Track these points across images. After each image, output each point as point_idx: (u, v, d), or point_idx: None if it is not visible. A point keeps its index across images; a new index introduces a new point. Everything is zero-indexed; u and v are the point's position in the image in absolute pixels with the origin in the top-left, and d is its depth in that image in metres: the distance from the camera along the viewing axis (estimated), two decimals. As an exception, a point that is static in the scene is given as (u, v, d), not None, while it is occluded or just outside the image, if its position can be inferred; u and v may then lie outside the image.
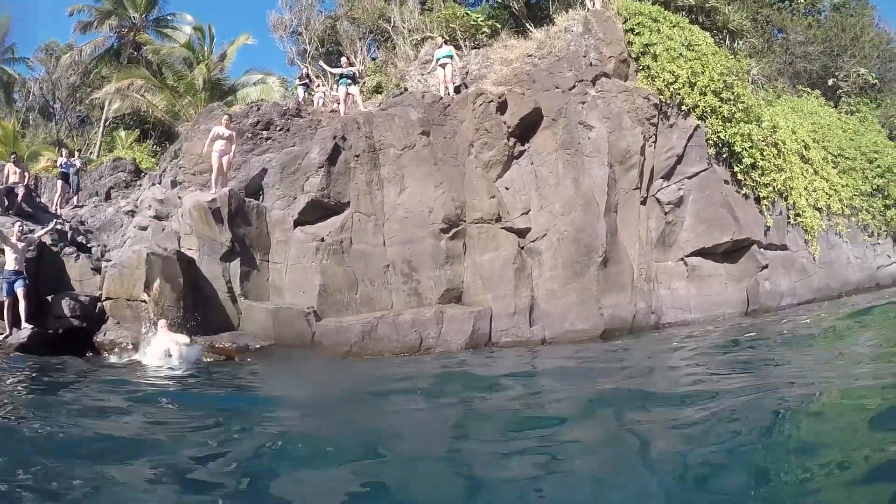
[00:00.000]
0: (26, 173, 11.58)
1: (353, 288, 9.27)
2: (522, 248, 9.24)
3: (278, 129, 10.44)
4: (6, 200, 10.25)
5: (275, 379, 7.36)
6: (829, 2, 20.12)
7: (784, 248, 12.27)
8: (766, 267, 11.34)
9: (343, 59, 11.16)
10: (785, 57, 17.12)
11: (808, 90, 16.83)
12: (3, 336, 8.04)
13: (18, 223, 8.83)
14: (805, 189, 13.06)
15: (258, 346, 8.62)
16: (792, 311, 11.17)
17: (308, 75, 12.73)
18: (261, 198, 10.07)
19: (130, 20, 20.50)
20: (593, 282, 9.14)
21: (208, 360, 8.14)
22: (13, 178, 10.99)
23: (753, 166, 11.37)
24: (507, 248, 9.05)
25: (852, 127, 16.70)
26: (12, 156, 11.81)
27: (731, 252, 11.08)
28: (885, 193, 15.17)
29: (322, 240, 9.34)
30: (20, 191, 10.56)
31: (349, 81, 10.58)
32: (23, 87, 24.55)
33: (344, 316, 9.05)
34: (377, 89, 11.69)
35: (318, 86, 12.33)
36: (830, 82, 17.75)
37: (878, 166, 15.41)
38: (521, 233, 9.25)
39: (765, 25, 17.12)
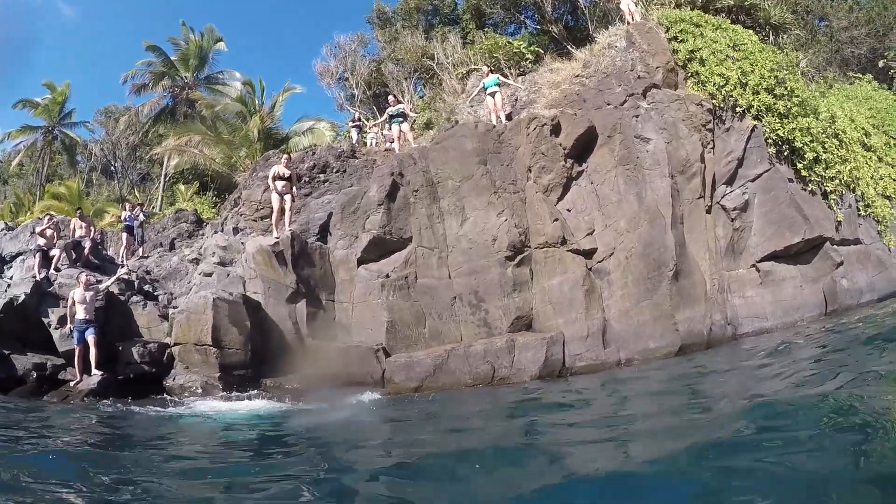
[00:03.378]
0: (92, 227, 12.06)
1: (420, 322, 9.30)
2: (590, 269, 9.08)
3: (335, 171, 10.73)
4: (74, 254, 10.75)
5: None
6: (866, -18, 19.49)
7: (857, 241, 11.65)
8: (841, 264, 10.76)
9: (390, 98, 11.44)
10: (831, 45, 16.55)
11: (860, 75, 16.16)
12: (75, 383, 8.35)
13: (85, 273, 9.23)
14: (871, 178, 12.45)
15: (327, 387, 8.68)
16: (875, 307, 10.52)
17: (360, 118, 13.08)
18: (324, 239, 10.31)
19: (183, 80, 21.77)
20: (666, 297, 8.88)
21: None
22: (79, 233, 11.45)
23: (816, 160, 10.93)
24: (574, 270, 8.92)
25: (911, 106, 15.91)
26: (77, 211, 12.39)
27: (804, 252, 10.58)
28: (956, 170, 14.25)
29: (387, 276, 9.44)
30: (87, 244, 11.02)
31: (400, 119, 10.80)
32: (85, 150, 26.22)
33: (413, 351, 9.06)
34: (428, 125, 11.90)
35: (371, 127, 12.65)
36: (881, 64, 17.00)
37: (944, 142, 14.54)
38: (588, 254, 9.11)
39: (805, 16, 16.64)
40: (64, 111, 26.00)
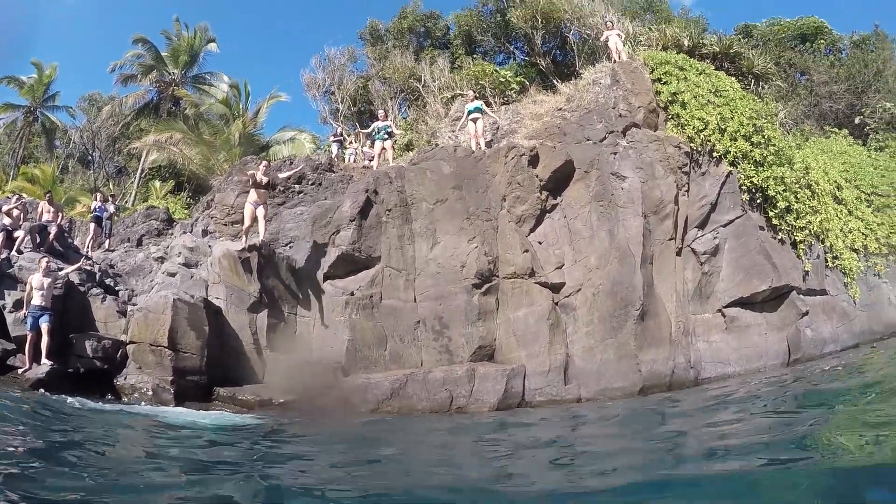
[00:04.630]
0: (60, 213, 11.69)
1: (382, 344, 9.13)
2: (556, 303, 9.04)
3: (310, 183, 10.57)
4: (38, 238, 10.39)
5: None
6: (848, 40, 20.16)
7: (823, 292, 11.83)
8: (806, 314, 10.90)
9: (381, 112, 11.34)
10: (810, 99, 17.04)
11: (836, 130, 16.63)
12: (23, 370, 7.99)
13: (46, 259, 8.90)
14: (841, 230, 12.69)
15: (282, 401, 8.45)
16: (836, 358, 10.65)
17: (342, 133, 12.99)
18: (291, 250, 10.11)
19: (170, 75, 21.48)
20: (631, 337, 8.87)
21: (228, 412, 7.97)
22: (46, 217, 11.10)
23: (788, 210, 11.11)
24: (541, 303, 8.86)
25: (883, 163, 16.35)
26: (47, 195, 12.02)
27: (770, 300, 10.69)
28: (924, 229, 14.64)
29: (352, 294, 9.27)
30: (52, 229, 10.67)
31: (385, 136, 10.71)
32: (64, 135, 25.61)
33: (372, 372, 8.87)
34: (408, 147, 11.86)
35: (351, 143, 12.56)
36: (857, 120, 17.54)
37: (914, 201, 14.95)
38: (556, 288, 9.06)
39: (787, 69, 17.14)
40: (48, 93, 25.50)
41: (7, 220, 10.03)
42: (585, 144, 9.74)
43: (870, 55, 19.49)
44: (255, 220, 9.33)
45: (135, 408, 7.52)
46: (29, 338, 8.13)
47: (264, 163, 9.98)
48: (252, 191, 9.28)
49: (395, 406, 8.27)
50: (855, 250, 12.82)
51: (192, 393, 8.38)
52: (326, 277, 9.49)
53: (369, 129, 11.59)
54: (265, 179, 9.41)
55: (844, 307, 12.10)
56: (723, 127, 10.63)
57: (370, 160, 11.05)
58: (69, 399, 7.07)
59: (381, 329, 9.09)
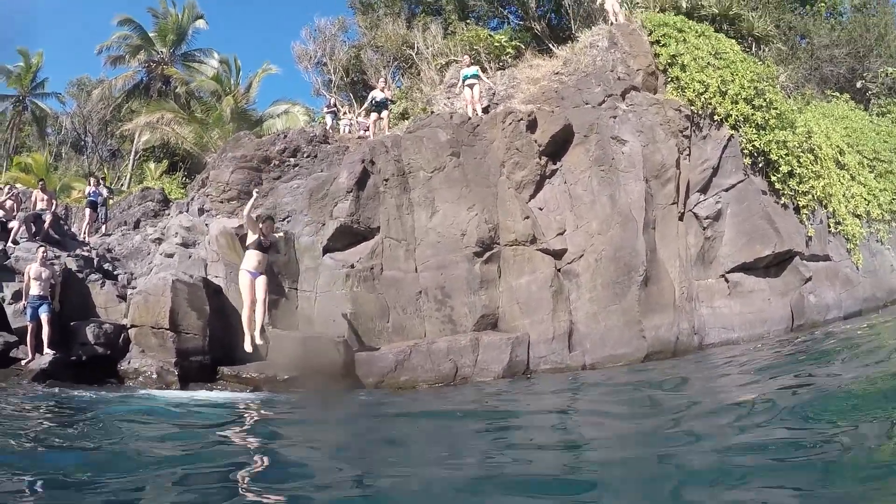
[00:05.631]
0: (54, 200, 11.61)
1: (384, 316, 9.03)
2: (559, 270, 8.93)
3: (305, 155, 10.38)
4: (33, 227, 10.28)
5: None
6: (849, 3, 19.77)
7: (827, 258, 11.76)
8: (809, 279, 10.84)
9: (380, 83, 11.06)
10: (811, 62, 16.76)
11: (837, 94, 16.39)
12: (25, 361, 7.93)
13: (43, 248, 8.82)
14: (843, 196, 12.58)
15: (286, 377, 8.40)
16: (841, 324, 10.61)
17: (335, 104, 12.75)
18: (289, 224, 9.97)
19: (159, 55, 21.08)
20: (635, 303, 8.78)
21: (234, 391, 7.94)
22: (40, 205, 11.01)
23: (791, 174, 10.98)
24: (543, 270, 8.75)
25: (885, 129, 16.20)
26: (40, 183, 11.91)
27: (773, 265, 10.62)
28: (926, 194, 14.55)
29: (352, 266, 9.15)
30: (47, 217, 10.56)
31: (383, 107, 10.49)
32: (55, 122, 25.27)
33: (376, 345, 8.81)
34: (403, 115, 11.63)
35: (345, 113, 12.32)
36: (859, 84, 17.29)
37: (916, 166, 14.84)
38: (558, 254, 8.95)
39: (788, 32, 16.82)
40: (36, 80, 25.05)
41: (0, 212, 9.93)
42: (584, 108, 9.54)
43: (871, 19, 19.13)
44: (254, 301, 7.15)
45: (137, 392, 7.45)
46: (30, 328, 8.02)
47: (268, 219, 7.71)
48: (250, 253, 7.24)
49: (400, 379, 8.22)
50: (858, 216, 12.73)
51: (196, 374, 8.33)
52: (326, 250, 9.36)
53: (367, 103, 11.28)
54: (268, 242, 7.38)
55: (847, 273, 12.05)
56: (723, 90, 10.42)
57: (365, 130, 10.84)
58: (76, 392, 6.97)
59: (383, 301, 8.99)
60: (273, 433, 5.31)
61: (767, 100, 10.93)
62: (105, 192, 13.61)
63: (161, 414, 5.89)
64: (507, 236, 8.90)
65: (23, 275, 8.44)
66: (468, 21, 14.26)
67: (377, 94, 10.94)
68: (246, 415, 6.23)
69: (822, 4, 18.62)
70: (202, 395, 7.58)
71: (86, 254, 10.56)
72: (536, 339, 8.64)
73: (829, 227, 11.97)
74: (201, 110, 18.06)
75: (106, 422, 5.43)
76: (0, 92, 24.90)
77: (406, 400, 7.40)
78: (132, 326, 8.65)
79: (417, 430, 5.44)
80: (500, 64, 11.66)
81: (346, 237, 9.20)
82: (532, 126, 9.13)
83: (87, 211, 13.02)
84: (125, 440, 4.60)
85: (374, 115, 10.56)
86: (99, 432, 4.95)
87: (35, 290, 8.16)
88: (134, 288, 9.72)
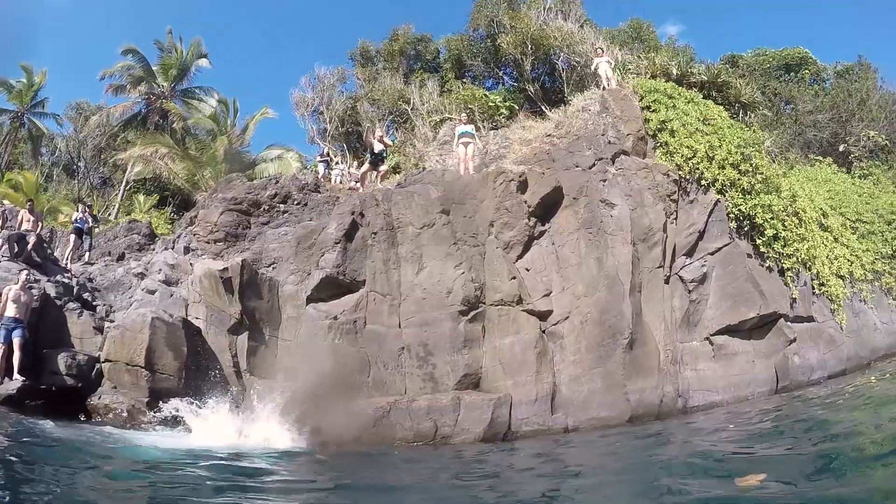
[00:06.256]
0: (40, 223, 11.51)
1: (365, 370, 8.90)
2: (544, 331, 8.89)
3: (296, 202, 10.42)
4: (16, 246, 10.14)
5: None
6: (832, 70, 20.65)
7: (811, 319, 11.83)
8: (794, 340, 10.88)
9: (377, 133, 11.09)
10: (795, 128, 17.35)
11: (820, 158, 16.89)
12: None
13: (25, 271, 8.70)
14: (827, 257, 12.77)
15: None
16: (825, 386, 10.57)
17: (328, 153, 12.90)
18: (274, 271, 9.90)
19: (160, 88, 21.34)
20: (619, 366, 8.73)
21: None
22: (26, 225, 10.91)
23: (776, 237, 11.15)
24: (528, 331, 8.71)
25: (867, 190, 16.62)
26: (28, 203, 11.83)
27: (758, 328, 10.66)
28: (907, 254, 14.84)
29: (335, 318, 9.06)
30: (31, 239, 10.46)
31: (380, 161, 10.54)
32: (50, 143, 25.25)
33: (355, 399, 8.63)
34: (395, 169, 11.76)
35: (337, 163, 12.45)
36: (841, 148, 17.84)
37: (897, 227, 15.18)
38: (543, 315, 8.93)
39: (773, 98, 17.47)
40: (36, 99, 25.13)
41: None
42: (574, 171, 9.71)
43: (854, 85, 19.94)
44: None
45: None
46: (1, 351, 7.84)
47: None
48: None
49: (378, 435, 8.02)
50: (841, 277, 12.89)
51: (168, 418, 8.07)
52: (310, 300, 9.28)
53: (375, 149, 11.15)
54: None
55: (831, 333, 12.10)
56: (711, 155, 10.69)
57: (357, 181, 10.91)
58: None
59: (364, 355, 8.87)
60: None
61: (753, 165, 11.21)
62: (91, 221, 13.51)
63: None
64: (493, 296, 8.89)
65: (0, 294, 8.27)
66: (464, 80, 14.73)
67: (376, 146, 11.03)
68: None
69: (807, 72, 19.41)
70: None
71: (66, 281, 10.43)
72: (519, 400, 8.52)
73: (814, 288, 12.09)
74: (196, 148, 18.21)
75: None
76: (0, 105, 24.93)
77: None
78: (106, 361, 8.46)
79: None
80: (494, 124, 11.94)
81: (331, 288, 9.15)
82: (522, 187, 9.26)
83: (72, 237, 12.89)
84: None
85: (365, 167, 10.64)
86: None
87: (11, 311, 8.02)
88: (112, 321, 9.59)
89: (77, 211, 13.55)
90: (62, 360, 8.31)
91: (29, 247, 10.37)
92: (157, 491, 4.62)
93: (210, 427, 7.52)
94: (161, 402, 8.11)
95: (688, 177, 10.45)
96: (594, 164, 9.77)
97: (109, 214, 18.44)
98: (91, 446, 6.13)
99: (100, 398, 8.20)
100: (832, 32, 58.19)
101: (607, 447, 7.35)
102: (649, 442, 7.32)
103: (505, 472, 6.54)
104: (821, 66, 22.04)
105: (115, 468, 5.29)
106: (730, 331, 10.28)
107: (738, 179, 10.82)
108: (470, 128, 10.40)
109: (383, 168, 10.82)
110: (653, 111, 10.89)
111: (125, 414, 7.90)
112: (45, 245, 12.08)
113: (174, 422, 7.83)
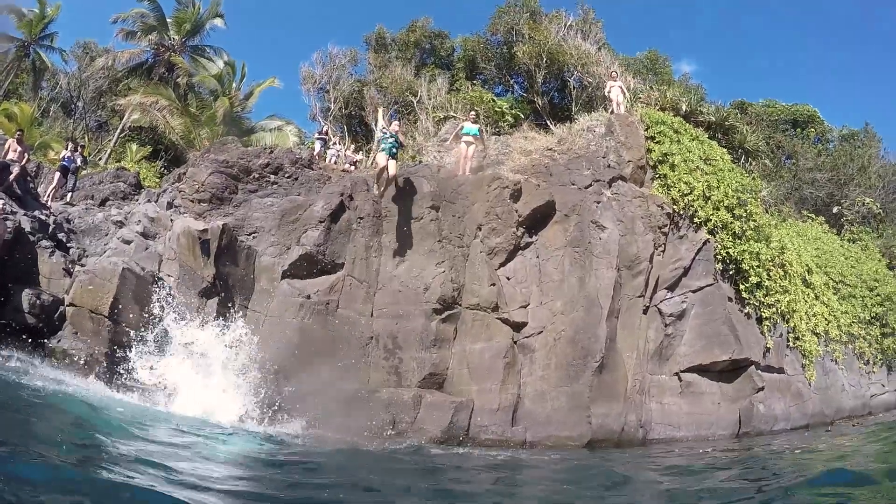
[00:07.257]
0: (27, 154, 11.18)
1: (330, 354, 8.70)
2: (516, 342, 8.80)
3: (287, 175, 10.24)
4: None
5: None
6: (838, 133, 20.95)
7: (781, 370, 11.91)
8: (762, 389, 10.92)
9: (395, 123, 9.87)
10: (793, 182, 17.53)
11: (813, 216, 17.06)
12: None
13: (2, 201, 8.43)
14: (806, 313, 12.86)
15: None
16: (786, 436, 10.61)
17: (328, 132, 12.72)
18: (254, 240, 9.71)
19: (170, 40, 20.99)
20: (586, 388, 8.65)
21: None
22: (11, 155, 10.62)
23: (759, 285, 11.19)
24: (500, 339, 8.61)
25: (854, 255, 16.81)
26: (17, 132, 11.52)
27: (728, 371, 10.68)
28: (884, 322, 15.04)
29: (308, 297, 8.89)
30: (15, 169, 10.20)
31: (395, 151, 9.17)
32: (52, 78, 24.70)
33: (316, 380, 8.45)
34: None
35: (334, 143, 12.28)
36: (835, 209, 18.06)
37: (878, 294, 15.37)
38: (517, 326, 8.84)
39: (776, 150, 17.65)
40: (45, 31, 24.57)
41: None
42: (570, 188, 9.66)
43: (857, 150, 20.23)
44: None
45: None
46: None
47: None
48: None
49: (335, 421, 7.85)
50: (817, 334, 12.99)
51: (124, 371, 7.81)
52: (285, 275, 9.09)
53: (389, 130, 9.59)
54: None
55: (799, 387, 12.18)
56: (708, 195, 10.71)
57: (351, 164, 10.74)
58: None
59: (332, 338, 8.69)
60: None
61: (748, 211, 11.25)
62: (79, 161, 13.21)
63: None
64: (470, 299, 8.79)
65: None
66: (474, 82, 14.65)
67: (396, 133, 9.46)
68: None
69: (812, 130, 19.65)
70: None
71: (43, 218, 10.18)
72: (481, 407, 8.42)
73: (788, 341, 12.16)
74: (196, 105, 17.91)
75: None
76: (8, 32, 24.31)
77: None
78: (71, 305, 8.29)
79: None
80: (497, 129, 11.86)
81: (309, 266, 8.97)
82: (516, 196, 9.18)
83: (57, 175, 12.61)
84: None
85: (382, 156, 9.06)
86: None
87: None
88: (83, 265, 9.37)
89: (66, 149, 13.23)
90: (26, 298, 8.13)
91: (11, 177, 10.10)
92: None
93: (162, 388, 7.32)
94: (118, 355, 7.92)
95: (681, 212, 10.45)
96: (590, 185, 9.73)
97: (100, 159, 18.04)
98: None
99: (59, 342, 8.04)
100: (842, 96, 59.32)
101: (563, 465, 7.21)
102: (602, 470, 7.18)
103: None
104: (827, 127, 22.38)
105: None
106: (700, 370, 10.28)
107: (731, 223, 10.85)
108: (476, 128, 10.29)
109: (393, 164, 9.21)
110: (657, 142, 10.89)
111: (82, 362, 7.71)
112: (28, 178, 11.78)
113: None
